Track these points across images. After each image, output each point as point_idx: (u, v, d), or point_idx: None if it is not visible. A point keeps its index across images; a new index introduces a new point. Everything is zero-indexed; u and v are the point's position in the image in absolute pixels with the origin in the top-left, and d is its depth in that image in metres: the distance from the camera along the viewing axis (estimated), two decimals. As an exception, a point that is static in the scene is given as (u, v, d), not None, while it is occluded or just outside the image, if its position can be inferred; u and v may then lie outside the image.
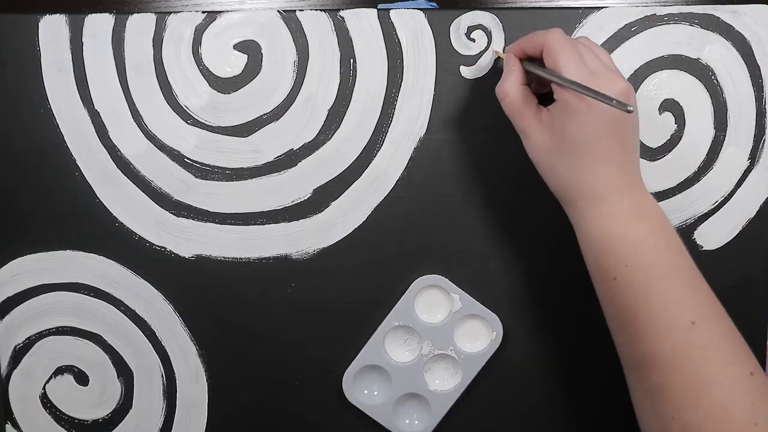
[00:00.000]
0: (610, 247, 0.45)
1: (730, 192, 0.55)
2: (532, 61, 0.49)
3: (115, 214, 0.55)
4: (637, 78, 0.54)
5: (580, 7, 0.54)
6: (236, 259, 0.56)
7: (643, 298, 0.44)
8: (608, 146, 0.45)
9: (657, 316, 0.43)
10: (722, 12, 0.54)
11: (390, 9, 0.54)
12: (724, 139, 0.55)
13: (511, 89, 0.48)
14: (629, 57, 0.54)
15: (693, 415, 0.42)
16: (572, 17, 0.54)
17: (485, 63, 0.54)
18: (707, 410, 0.42)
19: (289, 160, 0.55)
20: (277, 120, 0.55)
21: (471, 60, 0.54)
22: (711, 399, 0.42)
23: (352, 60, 0.54)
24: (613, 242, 0.45)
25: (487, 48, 0.54)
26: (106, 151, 0.55)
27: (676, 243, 0.46)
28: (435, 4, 0.56)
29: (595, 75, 0.44)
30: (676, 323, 0.43)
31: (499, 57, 0.53)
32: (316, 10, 0.54)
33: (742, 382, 0.42)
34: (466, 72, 0.54)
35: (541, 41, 0.47)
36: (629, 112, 0.41)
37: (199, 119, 0.55)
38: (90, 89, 0.54)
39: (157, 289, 0.56)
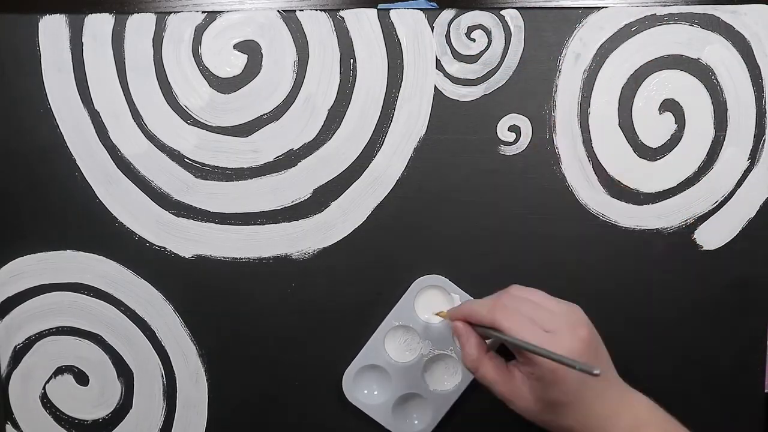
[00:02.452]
0: None
1: (730, 192, 0.55)
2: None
3: (115, 214, 0.55)
4: (638, 78, 0.54)
5: (580, 7, 0.54)
6: (236, 259, 0.56)
7: None
8: (594, 389, 0.44)
9: None
10: (722, 12, 0.54)
11: (390, 9, 0.54)
12: (724, 139, 0.55)
13: (480, 361, 0.46)
14: (629, 57, 0.54)
15: None
16: (572, 17, 0.54)
17: (486, 63, 0.54)
18: None
19: (289, 160, 0.55)
20: (277, 120, 0.55)
21: (471, 59, 0.54)
22: None
23: (352, 60, 0.54)
24: None
25: (487, 48, 0.54)
26: (106, 151, 0.55)
27: None
28: (435, 4, 0.56)
29: (551, 334, 0.43)
30: None
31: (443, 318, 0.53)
32: (316, 10, 0.54)
33: None
34: (467, 72, 0.54)
35: (487, 321, 0.45)
36: (596, 375, 0.39)
37: (199, 119, 0.55)
38: (90, 89, 0.54)
39: (157, 289, 0.56)
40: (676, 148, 0.55)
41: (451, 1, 0.56)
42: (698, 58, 0.54)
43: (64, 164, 0.55)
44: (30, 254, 0.56)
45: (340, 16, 0.54)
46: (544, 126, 0.54)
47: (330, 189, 0.55)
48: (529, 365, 0.44)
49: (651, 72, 0.54)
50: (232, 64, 0.54)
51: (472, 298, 0.55)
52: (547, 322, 0.44)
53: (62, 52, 0.54)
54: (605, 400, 0.44)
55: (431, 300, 0.55)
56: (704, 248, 0.55)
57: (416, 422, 0.56)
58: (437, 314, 0.54)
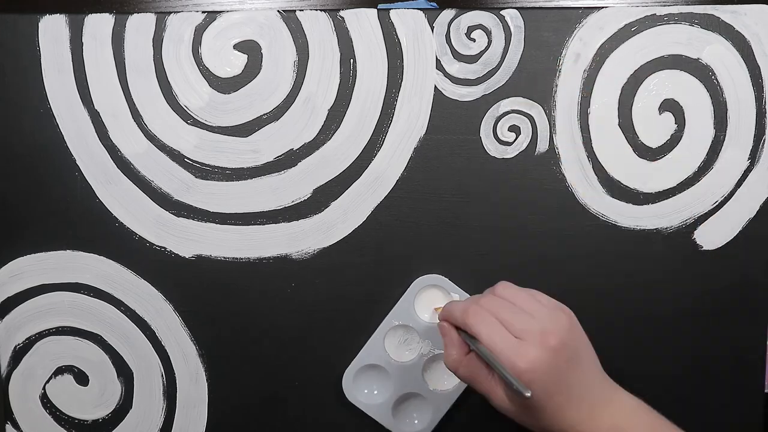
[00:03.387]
0: None
1: (730, 192, 0.55)
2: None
3: (115, 214, 0.55)
4: (638, 78, 0.54)
5: (580, 7, 0.54)
6: (236, 259, 0.56)
7: None
8: (568, 394, 0.43)
9: None
10: (722, 12, 0.54)
11: (390, 9, 0.54)
12: (724, 139, 0.55)
13: (459, 362, 0.46)
14: (629, 57, 0.54)
15: None
16: (572, 17, 0.54)
17: (486, 63, 0.54)
18: None
19: (289, 160, 0.55)
20: (277, 120, 0.55)
21: (471, 60, 0.54)
22: None
23: (352, 60, 0.54)
24: None
25: (487, 48, 0.54)
26: (106, 151, 0.55)
27: None
28: (435, 4, 0.56)
29: (519, 341, 0.43)
30: None
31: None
32: (316, 10, 0.54)
33: None
34: (467, 72, 0.54)
35: (460, 321, 0.45)
36: (527, 396, 0.40)
37: (199, 119, 0.55)
38: (90, 89, 0.54)
39: (157, 289, 0.56)
40: (676, 148, 0.55)
41: (451, 1, 0.56)
42: (698, 58, 0.54)
43: (64, 164, 0.55)
44: (30, 254, 0.56)
45: (340, 16, 0.54)
46: (544, 126, 0.54)
47: (330, 189, 0.55)
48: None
49: (651, 72, 0.54)
50: (232, 64, 0.54)
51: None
52: (520, 326, 0.43)
53: (62, 52, 0.54)
54: (582, 404, 0.44)
55: (431, 300, 0.55)
56: (704, 248, 0.55)
57: (416, 422, 0.56)
58: (436, 309, 0.54)
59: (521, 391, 0.40)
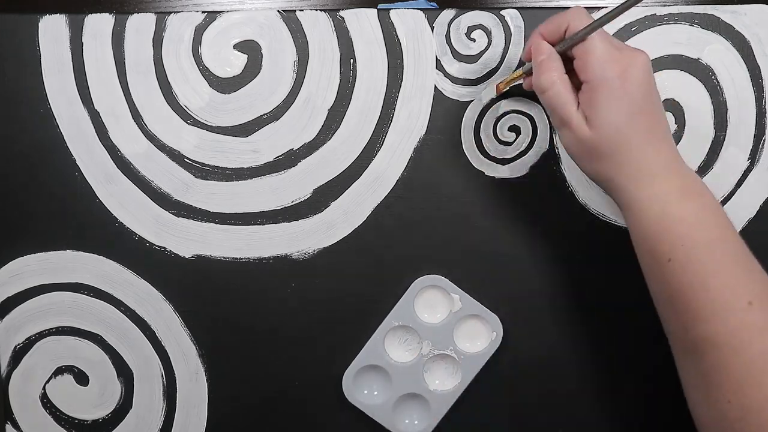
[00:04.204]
0: (665, 227, 0.43)
1: (730, 192, 0.55)
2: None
3: (115, 214, 0.55)
4: (637, 78, 0.54)
5: (580, 7, 0.54)
6: (236, 259, 0.56)
7: (700, 278, 0.42)
8: (648, 121, 0.44)
9: (715, 297, 0.42)
10: (722, 12, 0.54)
11: (390, 9, 0.54)
12: (724, 139, 0.55)
13: (558, 78, 0.45)
14: (629, 57, 0.54)
15: (753, 398, 0.40)
16: (572, 17, 0.54)
17: (486, 63, 0.54)
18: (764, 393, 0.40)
19: (289, 160, 0.55)
20: (277, 120, 0.55)
21: (471, 60, 0.54)
22: None
23: (352, 60, 0.54)
24: (669, 222, 0.43)
25: (487, 48, 0.54)
26: (106, 151, 0.55)
27: (727, 220, 0.44)
28: (435, 4, 0.56)
29: (619, 49, 0.44)
30: (734, 304, 0.41)
31: (502, 85, 0.52)
32: (316, 10, 0.54)
33: None
34: (467, 72, 0.54)
35: (564, 24, 0.45)
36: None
37: (199, 119, 0.55)
38: (90, 89, 0.54)
39: (157, 289, 0.56)
40: (676, 148, 0.55)
41: (451, 1, 0.56)
42: (698, 58, 0.54)
43: (64, 164, 0.55)
44: (30, 254, 0.56)
45: (340, 16, 0.54)
46: (544, 126, 0.54)
47: (330, 189, 0.55)
48: (586, 69, 0.43)
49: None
50: (232, 64, 0.54)
51: (472, 298, 0.55)
52: (615, 42, 0.44)
53: (62, 52, 0.54)
54: (660, 145, 0.44)
55: (431, 300, 0.55)
56: (704, 248, 0.55)
57: (416, 422, 0.56)
58: (502, 87, 0.52)
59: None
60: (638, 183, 0.44)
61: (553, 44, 0.46)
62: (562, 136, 0.46)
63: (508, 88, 0.53)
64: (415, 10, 0.54)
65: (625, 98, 0.43)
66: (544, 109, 0.51)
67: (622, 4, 0.42)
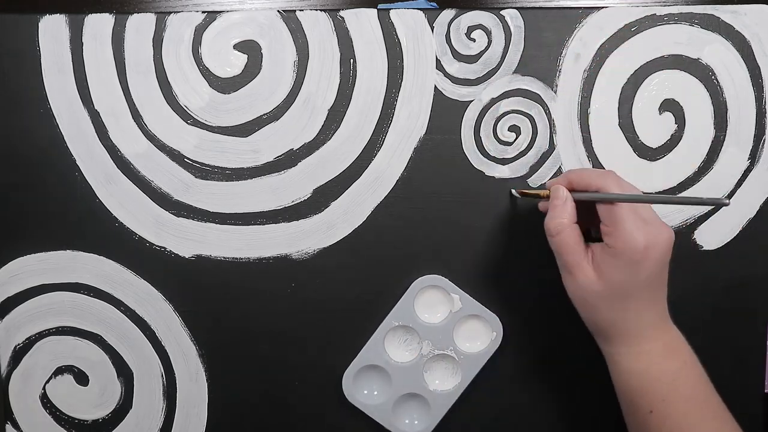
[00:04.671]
0: (647, 382, 0.47)
1: (730, 192, 0.55)
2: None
3: (115, 214, 0.55)
4: (638, 78, 0.54)
5: (580, 7, 0.54)
6: (236, 259, 0.56)
7: (679, 430, 0.45)
8: (654, 290, 0.47)
9: None
10: (722, 12, 0.54)
11: (390, 9, 0.54)
12: (724, 139, 0.55)
13: (568, 225, 0.47)
14: (629, 57, 0.54)
15: None
16: (572, 17, 0.54)
17: (486, 62, 0.54)
18: None
19: (289, 160, 0.55)
20: (277, 120, 0.55)
21: (471, 60, 0.54)
22: None
23: (352, 60, 0.54)
24: (651, 378, 0.46)
25: (487, 48, 0.54)
26: (106, 151, 0.55)
27: (705, 376, 0.47)
28: (435, 4, 0.56)
29: (647, 222, 0.46)
30: None
31: (529, 194, 0.53)
32: (316, 10, 0.54)
33: None
34: (467, 72, 0.54)
35: (595, 184, 0.47)
36: (726, 204, 0.42)
37: (199, 119, 0.55)
38: (90, 89, 0.54)
39: (157, 289, 0.56)
40: (676, 148, 0.55)
41: (451, 1, 0.56)
42: (698, 58, 0.54)
43: (64, 164, 0.55)
44: (30, 254, 0.56)
45: (340, 16, 0.54)
46: (544, 126, 0.54)
47: (330, 189, 0.55)
48: (612, 236, 0.45)
49: (651, 72, 0.54)
50: (232, 64, 0.54)
51: (472, 298, 0.55)
52: (645, 213, 0.46)
53: (62, 52, 0.54)
54: (655, 308, 0.47)
55: (431, 300, 0.55)
56: (704, 248, 0.55)
57: (416, 422, 0.56)
58: (523, 192, 0.53)
59: (719, 202, 0.42)
60: (628, 339, 0.47)
61: (575, 189, 0.49)
62: (565, 280, 0.48)
63: (523, 197, 0.54)
64: (415, 10, 0.54)
65: (643, 271, 0.45)
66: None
67: (662, 195, 0.45)
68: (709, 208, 0.55)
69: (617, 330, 0.47)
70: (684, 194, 0.55)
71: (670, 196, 0.45)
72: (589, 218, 0.48)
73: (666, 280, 0.48)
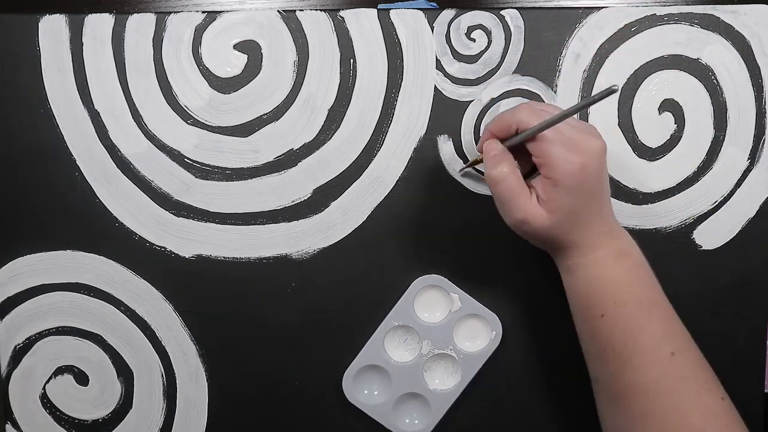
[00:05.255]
0: (600, 286, 0.47)
1: (730, 192, 0.55)
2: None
3: (115, 214, 0.55)
4: (638, 78, 0.54)
5: (580, 7, 0.54)
6: (236, 259, 0.56)
7: (630, 331, 0.46)
8: (599, 199, 0.47)
9: (642, 348, 0.46)
10: (722, 12, 0.54)
11: (390, 9, 0.54)
12: (723, 139, 0.55)
13: (510, 171, 0.47)
14: (629, 57, 0.54)
15: None
16: (572, 17, 0.54)
17: (486, 62, 0.54)
18: None
19: (289, 160, 0.55)
20: (277, 120, 0.55)
21: (471, 60, 0.54)
22: (691, 425, 0.44)
23: (352, 60, 0.54)
24: (604, 281, 0.47)
25: (487, 48, 0.54)
26: (106, 151, 0.55)
27: (653, 277, 0.48)
28: (435, 4, 0.56)
29: (574, 141, 0.46)
30: (659, 355, 0.46)
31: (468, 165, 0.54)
32: (316, 10, 0.54)
33: (716, 407, 0.45)
34: (467, 72, 0.54)
35: (514, 124, 0.47)
36: (615, 90, 0.41)
37: (199, 119, 0.55)
38: (90, 89, 0.54)
39: (157, 289, 0.56)
40: (675, 148, 0.55)
41: (451, 1, 0.56)
42: (698, 58, 0.54)
43: (64, 164, 0.55)
44: (30, 254, 0.56)
45: (340, 16, 0.54)
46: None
47: (330, 189, 0.55)
48: (547, 167, 0.46)
49: (651, 72, 0.54)
50: (232, 64, 0.54)
51: (471, 297, 0.55)
52: (568, 130, 0.46)
53: (62, 52, 0.54)
54: (603, 217, 0.48)
55: (431, 300, 0.55)
56: (703, 248, 0.55)
57: (416, 422, 0.56)
58: (464, 169, 0.54)
59: (610, 92, 0.41)
60: (581, 250, 0.48)
61: (504, 140, 0.48)
62: (516, 225, 0.48)
63: (470, 169, 0.54)
64: (415, 11, 0.54)
65: (583, 187, 0.46)
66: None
67: (572, 107, 0.45)
68: (709, 207, 0.55)
69: (571, 245, 0.47)
70: (684, 193, 0.55)
71: (575, 105, 0.45)
72: (522, 159, 0.48)
73: (607, 185, 0.48)
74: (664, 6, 0.54)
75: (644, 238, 0.55)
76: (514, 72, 0.54)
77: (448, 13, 0.54)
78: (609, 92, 0.41)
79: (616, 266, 0.47)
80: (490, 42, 0.54)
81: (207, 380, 0.56)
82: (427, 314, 0.55)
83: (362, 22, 0.54)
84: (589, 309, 0.48)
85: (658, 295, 0.48)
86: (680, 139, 0.55)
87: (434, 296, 0.55)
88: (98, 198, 0.55)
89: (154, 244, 0.55)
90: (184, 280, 0.56)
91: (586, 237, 0.47)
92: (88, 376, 0.57)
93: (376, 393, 0.56)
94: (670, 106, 0.55)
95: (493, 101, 0.54)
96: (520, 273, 0.55)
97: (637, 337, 0.46)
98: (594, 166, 0.46)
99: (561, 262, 0.49)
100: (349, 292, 0.56)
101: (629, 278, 0.47)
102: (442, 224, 0.55)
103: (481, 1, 0.58)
